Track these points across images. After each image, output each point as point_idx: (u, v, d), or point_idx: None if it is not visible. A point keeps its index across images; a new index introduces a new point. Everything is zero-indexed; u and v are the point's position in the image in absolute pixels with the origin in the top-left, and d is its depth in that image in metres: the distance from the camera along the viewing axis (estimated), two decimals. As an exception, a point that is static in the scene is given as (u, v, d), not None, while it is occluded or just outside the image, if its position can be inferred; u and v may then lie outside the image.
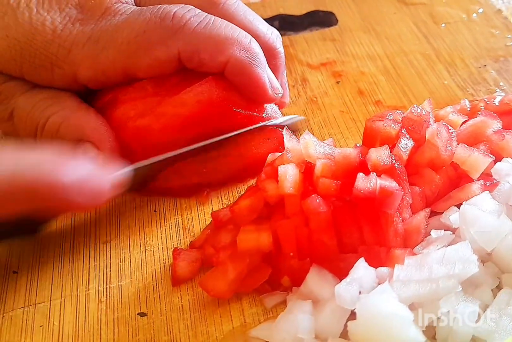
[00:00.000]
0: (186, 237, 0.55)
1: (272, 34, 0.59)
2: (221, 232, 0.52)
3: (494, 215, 0.48)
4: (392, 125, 0.53)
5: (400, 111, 0.57)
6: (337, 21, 0.82)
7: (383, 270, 0.46)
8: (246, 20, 0.57)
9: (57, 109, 0.54)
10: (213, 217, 0.54)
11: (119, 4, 0.55)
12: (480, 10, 0.82)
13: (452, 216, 0.50)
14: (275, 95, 0.57)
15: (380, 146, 0.51)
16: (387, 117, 0.54)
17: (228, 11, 0.56)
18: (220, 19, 0.54)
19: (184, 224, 0.56)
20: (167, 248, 0.54)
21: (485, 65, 0.74)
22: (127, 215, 0.57)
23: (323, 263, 0.48)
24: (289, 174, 0.49)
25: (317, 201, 0.47)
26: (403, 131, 0.53)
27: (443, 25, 0.81)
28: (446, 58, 0.75)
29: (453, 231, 0.50)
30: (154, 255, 0.54)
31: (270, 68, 0.58)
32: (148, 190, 0.58)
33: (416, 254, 0.47)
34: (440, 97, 0.69)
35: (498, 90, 0.70)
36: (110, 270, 0.53)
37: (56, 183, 0.41)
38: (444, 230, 0.49)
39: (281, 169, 0.50)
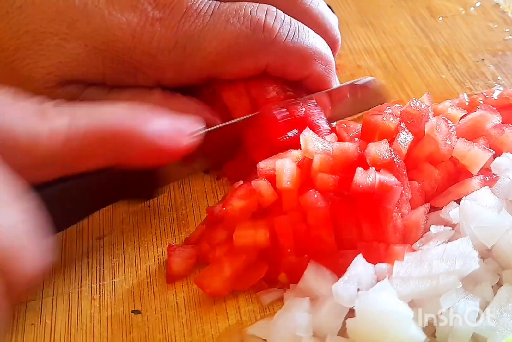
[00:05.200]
0: (181, 233, 0.54)
1: (336, 27, 0.62)
2: (217, 228, 0.51)
3: (494, 210, 0.48)
4: (391, 119, 0.52)
5: (399, 105, 0.56)
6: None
7: (382, 266, 0.45)
8: (320, 14, 0.59)
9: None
10: (208, 213, 0.53)
11: (199, 1, 0.52)
12: (478, 4, 0.82)
13: (452, 211, 0.49)
14: None
15: (379, 140, 0.51)
16: (385, 111, 0.53)
17: (305, 5, 0.58)
18: (303, 26, 0.55)
19: (178, 220, 0.55)
20: (161, 244, 0.53)
21: (483, 59, 0.73)
22: (120, 210, 0.56)
23: (321, 259, 0.47)
24: (286, 168, 0.48)
25: (315, 196, 0.46)
26: (402, 125, 0.52)
27: (440, 19, 0.80)
28: (443, 52, 0.74)
29: (453, 226, 0.49)
30: (148, 251, 0.52)
31: None
32: None
33: (415, 250, 0.47)
34: (438, 91, 0.68)
35: (496, 84, 0.69)
36: (103, 267, 0.51)
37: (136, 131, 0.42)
38: (444, 226, 0.49)
39: (278, 163, 0.49)
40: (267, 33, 0.52)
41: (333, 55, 0.60)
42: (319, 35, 0.58)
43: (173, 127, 0.45)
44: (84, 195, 0.47)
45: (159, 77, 0.53)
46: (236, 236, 0.47)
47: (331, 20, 0.61)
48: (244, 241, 0.47)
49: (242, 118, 0.55)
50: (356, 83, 0.63)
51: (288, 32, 0.53)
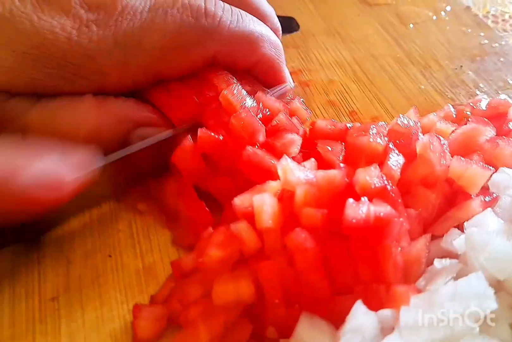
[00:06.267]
0: (149, 285, 0.46)
1: (275, 16, 0.60)
2: (189, 282, 0.44)
3: (503, 238, 0.42)
4: (378, 139, 0.46)
5: (384, 122, 0.51)
6: (298, 26, 0.75)
7: (386, 313, 0.39)
8: (258, 3, 0.58)
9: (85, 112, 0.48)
10: (173, 268, 0.45)
11: None
12: (448, 8, 0.77)
13: (456, 241, 0.43)
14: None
15: (365, 165, 0.45)
16: (370, 131, 0.47)
17: None
18: (245, 12, 0.54)
19: (145, 270, 0.47)
20: (127, 301, 0.45)
21: (462, 66, 0.68)
22: (76, 263, 0.48)
23: (314, 309, 0.40)
24: (266, 204, 0.42)
25: (302, 235, 0.40)
26: (390, 146, 0.46)
27: (411, 25, 0.75)
28: (419, 60, 0.69)
29: (455, 256, 0.44)
30: (112, 311, 0.45)
31: None
32: None
33: (420, 290, 0.41)
34: (418, 103, 0.63)
35: (478, 92, 0.65)
36: (60, 334, 0.43)
37: (11, 181, 0.39)
38: (450, 258, 0.43)
39: (256, 200, 0.42)
40: (210, 19, 0.50)
41: None
42: None
43: (55, 170, 0.41)
44: None
45: (101, 82, 0.48)
46: (215, 293, 0.40)
47: (269, 8, 0.60)
48: (226, 298, 0.40)
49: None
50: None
51: (231, 17, 0.52)
